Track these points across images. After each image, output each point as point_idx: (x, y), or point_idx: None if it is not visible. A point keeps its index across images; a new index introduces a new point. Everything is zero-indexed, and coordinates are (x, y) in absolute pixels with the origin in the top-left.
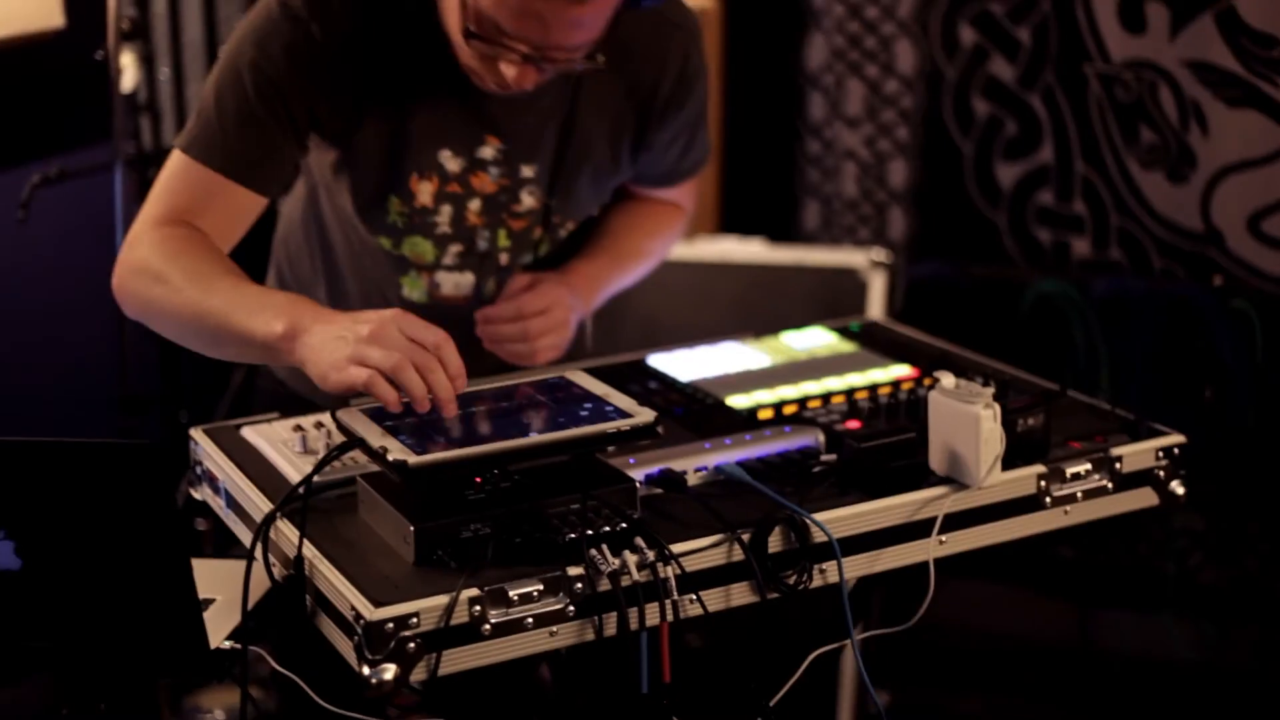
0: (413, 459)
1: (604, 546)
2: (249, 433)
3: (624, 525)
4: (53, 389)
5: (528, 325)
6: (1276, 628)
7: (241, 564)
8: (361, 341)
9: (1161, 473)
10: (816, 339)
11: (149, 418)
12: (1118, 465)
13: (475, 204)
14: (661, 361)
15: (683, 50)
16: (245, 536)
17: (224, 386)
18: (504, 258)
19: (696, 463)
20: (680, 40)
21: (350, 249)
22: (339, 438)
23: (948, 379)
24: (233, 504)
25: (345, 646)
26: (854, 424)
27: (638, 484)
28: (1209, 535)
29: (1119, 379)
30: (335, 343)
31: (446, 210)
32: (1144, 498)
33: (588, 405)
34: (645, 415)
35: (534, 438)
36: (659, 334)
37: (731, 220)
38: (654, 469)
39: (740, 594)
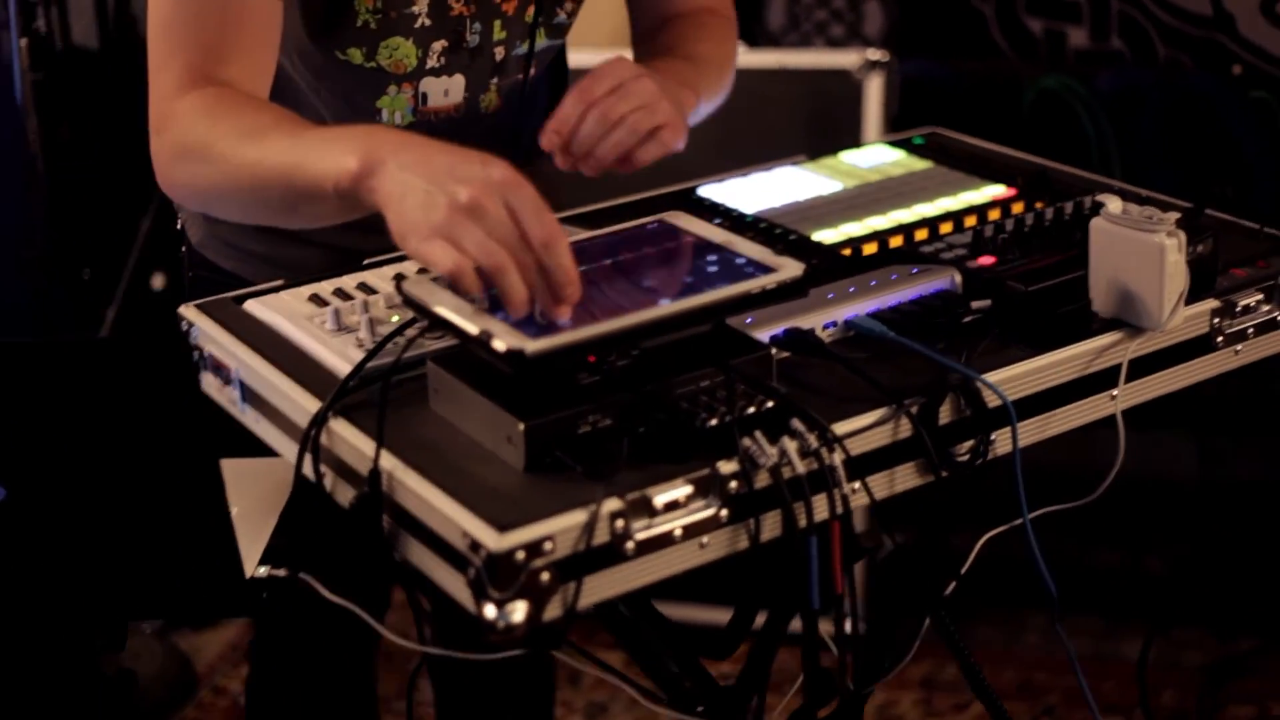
0: (530, 345)
1: (757, 433)
2: (256, 308)
3: (770, 404)
4: None
5: (607, 108)
6: None
7: (260, 462)
8: (459, 211)
9: None
10: (882, 156)
11: (49, 278)
12: None
13: None
14: (714, 193)
15: None
16: (275, 438)
17: (129, 240)
18: (499, 52)
19: (823, 318)
20: None
21: (300, 89)
22: (378, 309)
23: (1114, 203)
24: (252, 398)
25: (453, 581)
26: (987, 259)
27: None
28: None
29: (1133, 179)
30: (423, 198)
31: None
32: None
33: (711, 258)
34: (792, 268)
35: (667, 306)
36: None
37: None
38: (776, 329)
39: (906, 476)
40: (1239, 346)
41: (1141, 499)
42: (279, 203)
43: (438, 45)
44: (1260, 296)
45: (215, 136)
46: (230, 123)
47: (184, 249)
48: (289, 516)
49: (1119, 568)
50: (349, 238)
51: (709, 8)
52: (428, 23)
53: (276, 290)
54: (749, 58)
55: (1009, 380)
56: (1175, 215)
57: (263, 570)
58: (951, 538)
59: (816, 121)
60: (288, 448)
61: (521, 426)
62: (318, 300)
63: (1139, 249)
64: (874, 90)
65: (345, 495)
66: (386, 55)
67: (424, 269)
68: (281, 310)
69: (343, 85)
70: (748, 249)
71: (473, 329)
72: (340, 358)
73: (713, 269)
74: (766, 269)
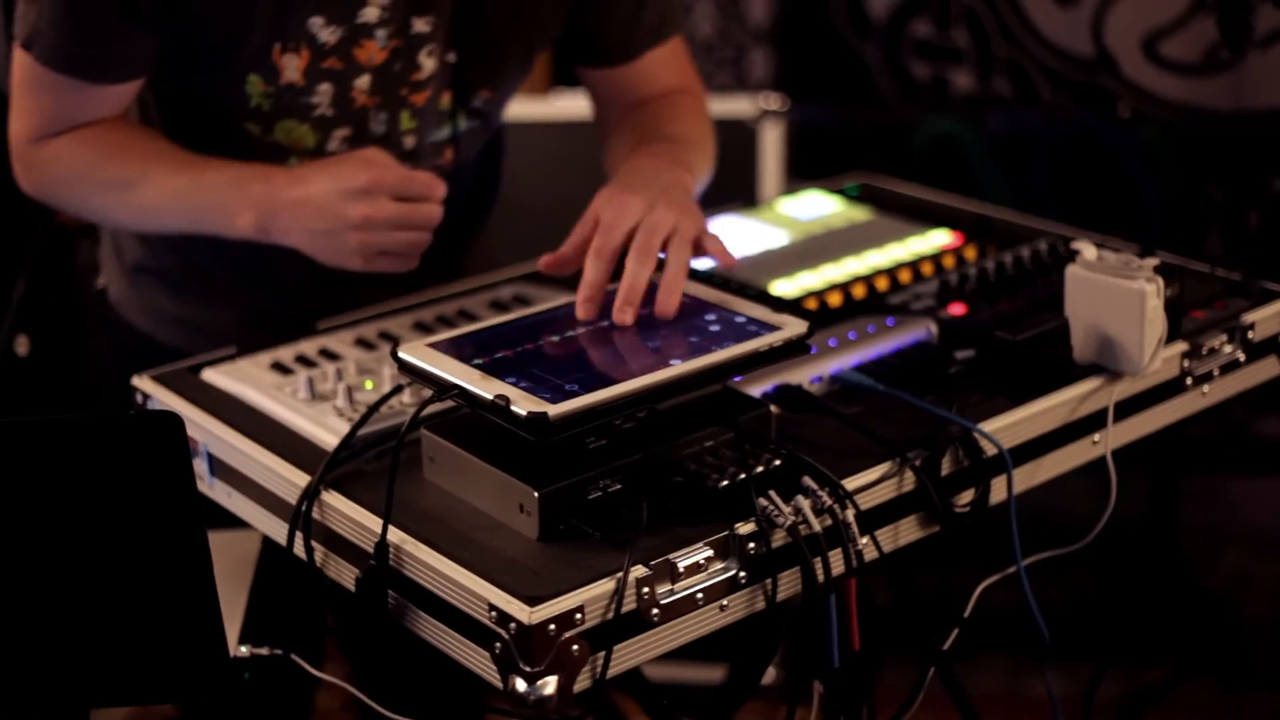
0: (553, 409)
1: (771, 492)
2: (216, 377)
3: (778, 462)
4: None
5: (641, 249)
6: None
7: (230, 535)
8: (359, 230)
9: None
10: (820, 205)
11: None
12: (1250, 334)
13: (363, 80)
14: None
15: None
16: (252, 513)
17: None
18: (409, 140)
19: (809, 373)
20: None
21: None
22: (352, 373)
23: (1089, 250)
24: (223, 471)
25: (474, 656)
26: (959, 308)
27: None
28: None
29: None
30: (329, 236)
31: (325, 89)
32: (1269, 368)
33: (710, 317)
34: (795, 325)
35: (681, 366)
36: (520, 210)
37: (565, 70)
38: (765, 386)
39: (910, 529)
40: (1205, 388)
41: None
42: (179, 229)
43: (340, 132)
44: (1224, 338)
45: (87, 193)
46: (98, 177)
47: (105, 310)
48: (263, 592)
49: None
50: (264, 299)
51: (680, 89)
52: (329, 113)
53: (232, 358)
54: None
55: (1002, 430)
56: (1154, 261)
57: (244, 649)
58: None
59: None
60: (267, 522)
61: (536, 495)
62: (281, 368)
63: (1118, 295)
64: (771, 139)
65: (341, 571)
66: (283, 134)
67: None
68: (247, 380)
69: (240, 151)
70: (746, 308)
71: (487, 394)
72: (322, 428)
73: (715, 328)
74: (770, 327)
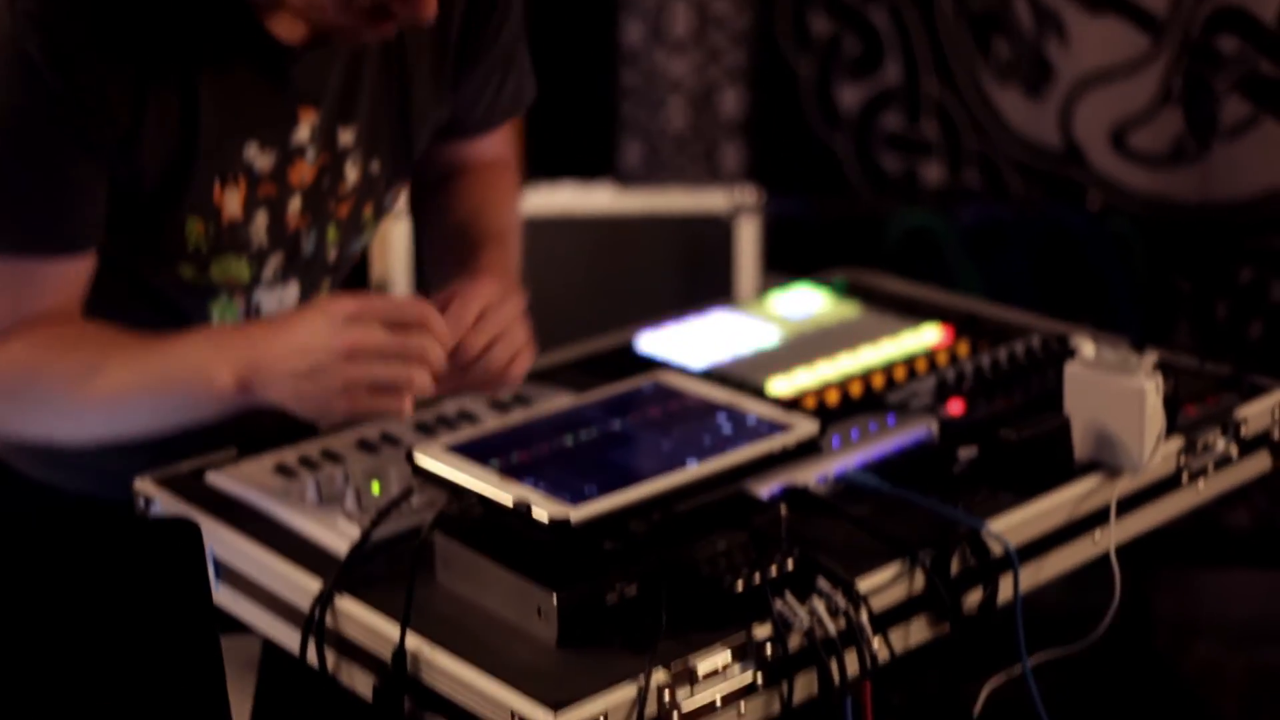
0: (574, 513)
1: (787, 594)
2: (221, 480)
3: (791, 563)
4: None
5: (478, 335)
6: None
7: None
8: (346, 362)
9: (1275, 431)
10: (811, 302)
11: None
12: (1242, 429)
13: (296, 203)
14: (656, 345)
15: None
16: (258, 617)
17: None
18: (333, 254)
19: (814, 472)
20: None
21: (117, 302)
22: (359, 475)
23: (1087, 348)
24: (229, 575)
25: None
26: (958, 405)
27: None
28: None
29: None
30: (313, 376)
31: (261, 219)
32: (1260, 463)
33: (721, 417)
34: (806, 425)
35: (697, 468)
36: None
37: (539, 162)
38: (771, 486)
39: (919, 629)
40: (1201, 483)
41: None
42: (141, 425)
43: (274, 260)
44: (1218, 433)
45: (50, 389)
46: (59, 369)
47: None
48: (268, 700)
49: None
50: (131, 464)
51: (495, 160)
52: (265, 243)
53: (234, 461)
54: (620, 201)
55: (1008, 528)
56: (1152, 358)
57: None
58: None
59: (688, 265)
60: (277, 628)
61: (555, 599)
62: (285, 471)
63: (1119, 393)
64: (747, 233)
65: (355, 678)
66: (219, 272)
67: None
68: (252, 483)
69: (170, 295)
70: (755, 407)
71: (507, 499)
72: (332, 532)
73: (726, 429)
74: (781, 427)
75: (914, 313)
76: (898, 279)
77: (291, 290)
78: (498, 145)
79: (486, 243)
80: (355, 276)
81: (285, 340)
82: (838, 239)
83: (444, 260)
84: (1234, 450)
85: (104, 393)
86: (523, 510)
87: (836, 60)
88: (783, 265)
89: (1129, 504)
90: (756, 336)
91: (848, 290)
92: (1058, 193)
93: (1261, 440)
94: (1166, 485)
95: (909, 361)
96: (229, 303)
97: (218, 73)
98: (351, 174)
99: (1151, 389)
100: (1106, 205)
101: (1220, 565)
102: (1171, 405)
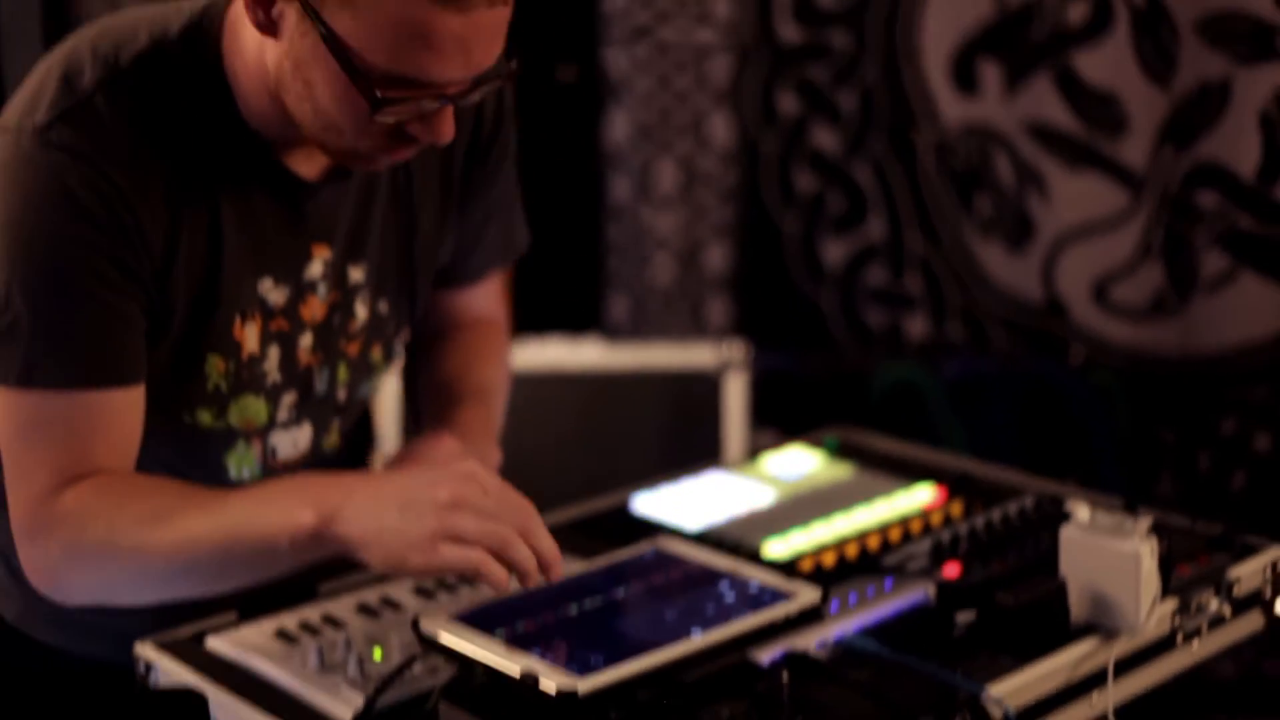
0: (582, 685)
1: None
2: (222, 645)
3: None
4: None
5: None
6: None
7: None
8: (444, 509)
9: (1267, 590)
10: (803, 463)
11: None
12: (1235, 589)
13: (307, 339)
14: (651, 507)
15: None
16: None
17: None
18: (343, 394)
19: (814, 637)
20: None
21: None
22: (360, 641)
23: (1082, 511)
24: None
25: None
26: (954, 568)
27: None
28: None
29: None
30: (404, 515)
31: (274, 353)
32: (1253, 622)
33: (724, 585)
34: (808, 593)
35: (702, 638)
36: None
37: (527, 318)
38: (775, 651)
39: None
40: (1195, 644)
41: None
42: (212, 571)
43: (288, 398)
44: (1211, 593)
45: (119, 529)
46: (131, 511)
47: None
48: None
49: None
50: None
51: (485, 318)
52: (279, 379)
53: (234, 625)
54: (609, 356)
55: (1008, 693)
56: (1147, 521)
57: None
58: None
59: (676, 420)
60: None
61: None
62: (286, 636)
63: (1114, 557)
64: (734, 388)
65: None
66: (237, 415)
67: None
68: (253, 649)
69: (186, 445)
70: (756, 574)
71: (514, 669)
72: (336, 699)
73: (729, 598)
74: (783, 595)
75: (906, 472)
76: (889, 438)
77: (305, 431)
78: (489, 303)
79: (466, 400)
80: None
81: (384, 481)
82: (824, 392)
83: (426, 415)
84: (1227, 610)
85: (174, 538)
86: (530, 681)
87: (821, 216)
88: (770, 419)
89: (1125, 665)
90: (751, 497)
91: (840, 450)
92: (1041, 346)
93: (1254, 599)
94: (1161, 646)
95: (904, 523)
96: (246, 450)
97: (238, 206)
98: (361, 312)
99: (1146, 552)
100: (1089, 359)
101: (1207, 715)
102: (1165, 566)
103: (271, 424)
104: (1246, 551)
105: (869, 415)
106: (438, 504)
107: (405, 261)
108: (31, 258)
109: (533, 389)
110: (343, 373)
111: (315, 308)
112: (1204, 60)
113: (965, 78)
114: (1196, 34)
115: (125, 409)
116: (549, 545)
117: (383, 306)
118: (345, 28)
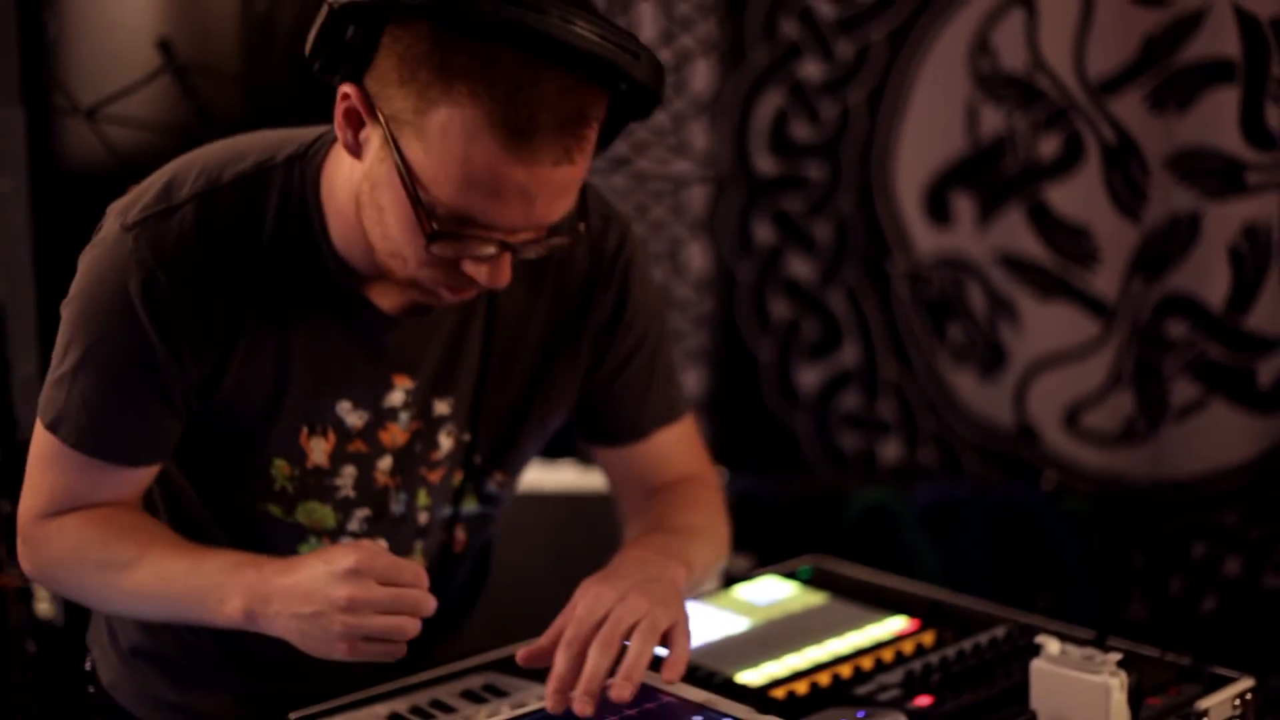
0: None
1: None
2: None
3: None
4: None
5: (606, 638)
6: None
7: None
8: (345, 613)
9: None
10: (777, 591)
11: None
12: None
13: (386, 462)
14: None
15: (619, 235)
16: None
17: None
18: (423, 517)
19: None
20: (616, 227)
21: (212, 531)
22: None
23: (1052, 645)
24: None
25: None
26: (925, 699)
27: None
28: None
29: (955, 590)
30: (314, 621)
31: (349, 472)
32: None
33: (697, 718)
34: None
35: None
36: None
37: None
38: None
39: None
40: None
41: None
42: (162, 621)
43: (360, 512)
44: None
45: (85, 572)
46: (95, 557)
47: (91, 689)
48: None
49: None
50: (263, 684)
51: (692, 475)
52: (351, 494)
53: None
54: (584, 479)
55: None
56: (1116, 656)
57: None
58: None
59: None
60: None
61: None
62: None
63: (1084, 690)
64: None
65: None
66: (305, 516)
67: None
68: None
69: (260, 531)
70: (731, 708)
71: None
72: None
73: None
74: None
75: (879, 602)
76: (862, 568)
77: (380, 544)
78: (685, 459)
79: (657, 532)
80: None
81: (292, 583)
82: (798, 516)
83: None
84: None
85: (129, 587)
86: None
87: (796, 343)
88: (744, 543)
89: None
90: (724, 624)
91: (813, 579)
92: (1012, 472)
93: None
94: None
95: (876, 652)
96: (318, 545)
97: (311, 331)
98: (445, 442)
99: (1116, 685)
100: (1060, 484)
101: None
102: (1135, 699)
103: (341, 530)
104: (1216, 683)
105: (843, 539)
106: (338, 607)
107: (498, 402)
108: (87, 333)
109: (508, 512)
110: (423, 497)
111: (396, 434)
112: (1174, 195)
113: (938, 209)
114: (1167, 169)
115: (128, 481)
116: (429, 605)
117: (467, 436)
118: (417, 158)
